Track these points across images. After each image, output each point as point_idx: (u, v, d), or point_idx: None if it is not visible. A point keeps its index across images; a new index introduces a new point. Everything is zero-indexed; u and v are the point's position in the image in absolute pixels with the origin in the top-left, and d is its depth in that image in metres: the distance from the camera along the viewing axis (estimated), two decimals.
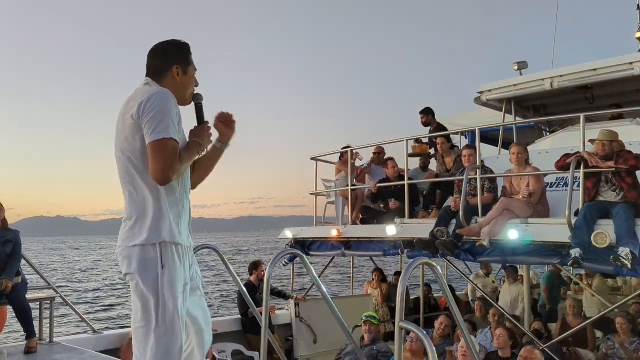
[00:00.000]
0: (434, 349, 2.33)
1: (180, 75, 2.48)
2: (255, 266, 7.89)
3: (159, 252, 2.29)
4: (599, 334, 6.74)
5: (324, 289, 3.48)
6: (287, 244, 7.95)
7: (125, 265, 2.32)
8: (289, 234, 8.01)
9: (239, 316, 7.80)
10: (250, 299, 4.15)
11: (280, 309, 8.38)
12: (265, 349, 3.10)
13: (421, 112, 8.15)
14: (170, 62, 2.46)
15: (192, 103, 2.56)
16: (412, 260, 2.47)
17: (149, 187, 2.32)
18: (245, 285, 7.67)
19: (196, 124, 2.52)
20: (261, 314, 3.26)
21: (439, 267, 2.71)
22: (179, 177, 2.36)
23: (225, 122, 2.57)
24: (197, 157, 2.46)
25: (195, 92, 2.54)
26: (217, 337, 7.38)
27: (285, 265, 8.29)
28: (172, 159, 2.25)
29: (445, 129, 7.83)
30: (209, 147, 2.53)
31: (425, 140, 8.33)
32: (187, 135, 2.48)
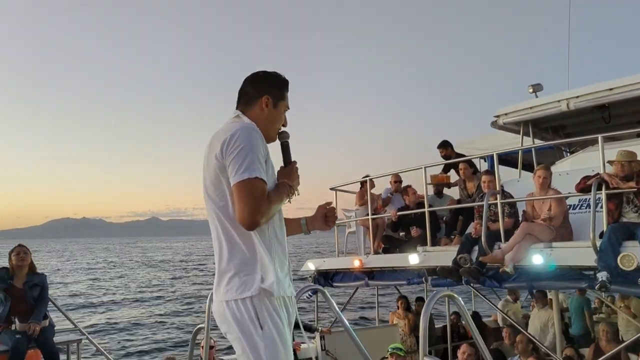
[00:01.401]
0: None
1: (270, 108, 2.28)
2: None
3: (260, 306, 2.05)
4: (633, 357, 6.52)
5: (347, 323, 3.46)
6: (310, 276, 7.95)
7: (225, 324, 2.10)
8: (311, 266, 8.02)
9: None
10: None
11: (303, 343, 8.31)
12: None
13: (440, 147, 8.15)
14: (261, 90, 2.29)
15: (278, 141, 2.36)
16: (434, 291, 2.48)
17: (241, 234, 2.09)
18: None
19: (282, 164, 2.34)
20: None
21: (460, 298, 2.71)
22: (267, 221, 2.11)
23: (327, 217, 2.44)
24: (287, 201, 2.23)
25: (281, 130, 2.35)
26: None
27: (309, 298, 8.27)
28: (260, 200, 2.01)
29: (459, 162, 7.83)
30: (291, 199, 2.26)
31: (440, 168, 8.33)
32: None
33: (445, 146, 8.12)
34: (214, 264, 2.19)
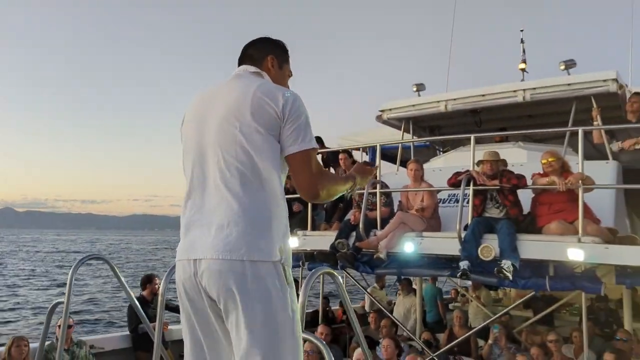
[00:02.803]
0: (332, 358, 2.34)
1: (275, 68, 2.18)
2: (148, 280, 7.51)
3: (282, 268, 1.88)
4: (481, 342, 7.20)
5: None
6: None
7: (237, 286, 1.80)
8: None
9: (128, 332, 7.36)
10: (143, 312, 3.92)
11: (175, 324, 8.02)
12: None
13: None
14: (265, 50, 2.18)
15: None
16: (313, 270, 2.47)
17: (272, 193, 1.91)
18: (136, 299, 7.27)
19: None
20: (154, 329, 3.09)
21: (339, 277, 2.74)
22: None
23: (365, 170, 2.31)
24: (343, 192, 2.13)
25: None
26: (105, 356, 6.91)
27: None
28: (323, 172, 1.98)
29: (337, 153, 8.00)
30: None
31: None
32: None
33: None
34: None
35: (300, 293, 2.50)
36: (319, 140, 8.25)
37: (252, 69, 2.13)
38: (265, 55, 2.18)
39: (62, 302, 3.42)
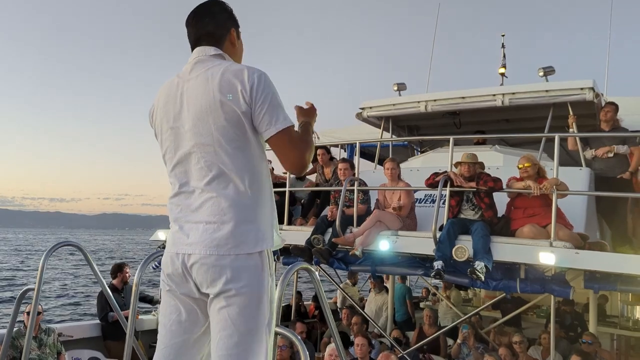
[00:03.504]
0: (307, 352, 2.34)
1: (239, 41, 2.10)
2: (119, 268, 7.42)
3: (267, 259, 1.97)
4: (450, 341, 7.31)
5: None
6: (159, 246, 7.58)
7: (224, 278, 1.89)
8: (161, 235, 7.65)
9: (98, 321, 7.25)
10: (115, 301, 3.87)
11: (146, 314, 7.95)
12: (128, 356, 2.89)
13: None
14: (227, 24, 2.06)
15: None
16: (290, 265, 2.47)
17: (255, 183, 1.95)
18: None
19: None
20: (127, 318, 3.04)
21: (316, 273, 2.73)
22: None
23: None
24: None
25: None
26: (73, 344, 6.80)
27: (155, 269, 7.89)
28: (304, 144, 1.97)
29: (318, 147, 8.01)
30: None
31: None
32: None
33: None
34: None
35: (277, 287, 2.49)
36: None
37: (212, 50, 2.03)
38: (228, 30, 2.08)
39: (32, 289, 3.35)
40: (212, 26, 2.06)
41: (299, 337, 2.42)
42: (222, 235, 1.89)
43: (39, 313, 6.03)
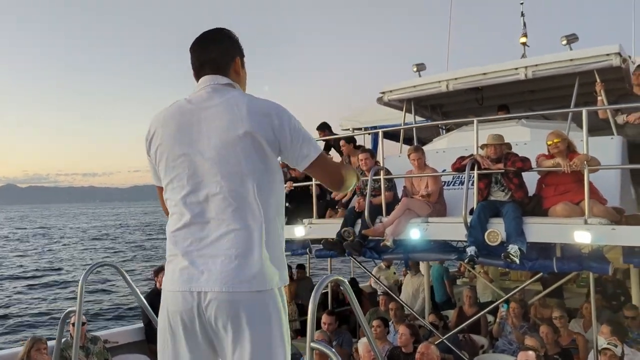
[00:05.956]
0: None
1: (244, 69, 2.10)
2: (161, 269, 7.57)
3: (279, 296, 1.94)
4: (490, 317, 7.24)
5: None
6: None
7: (244, 315, 1.85)
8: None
9: (142, 325, 7.46)
10: (151, 309, 3.93)
11: None
12: None
13: (318, 129, 8.20)
14: (231, 53, 2.04)
15: None
16: (324, 276, 2.49)
17: (280, 216, 1.99)
18: (151, 291, 7.33)
19: None
20: None
21: (347, 283, 2.74)
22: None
23: None
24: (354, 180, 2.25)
25: None
26: (119, 349, 7.01)
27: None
28: (338, 168, 2.12)
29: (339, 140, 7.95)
30: None
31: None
32: None
33: (323, 129, 8.22)
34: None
35: (310, 302, 2.51)
36: (326, 126, 8.22)
37: (224, 80, 2.00)
38: (232, 58, 2.05)
39: (73, 311, 3.46)
40: (217, 54, 2.03)
41: (333, 350, 2.45)
42: (245, 270, 1.84)
43: (83, 323, 6.23)
